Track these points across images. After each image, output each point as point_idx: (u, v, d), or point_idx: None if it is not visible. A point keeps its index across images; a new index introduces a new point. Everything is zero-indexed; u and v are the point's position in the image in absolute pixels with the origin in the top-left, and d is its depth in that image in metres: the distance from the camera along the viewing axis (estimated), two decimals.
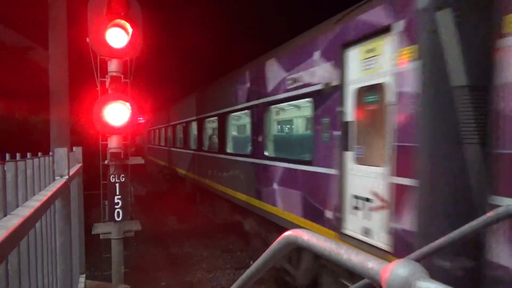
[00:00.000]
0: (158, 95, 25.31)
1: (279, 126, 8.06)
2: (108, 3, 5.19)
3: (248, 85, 8.31)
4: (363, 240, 4.63)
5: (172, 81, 26.42)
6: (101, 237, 6.03)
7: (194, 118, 12.76)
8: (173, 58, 25.10)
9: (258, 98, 7.69)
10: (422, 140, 3.27)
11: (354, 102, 4.97)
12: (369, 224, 4.58)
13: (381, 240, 4.35)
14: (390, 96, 4.20)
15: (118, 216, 5.83)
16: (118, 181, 5.84)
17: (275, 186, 6.93)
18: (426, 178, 3.21)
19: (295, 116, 7.76)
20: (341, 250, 0.88)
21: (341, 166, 5.07)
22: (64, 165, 2.70)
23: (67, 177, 2.69)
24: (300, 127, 7.70)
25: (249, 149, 8.32)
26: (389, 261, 0.76)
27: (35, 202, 1.67)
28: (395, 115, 4.10)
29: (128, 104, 5.40)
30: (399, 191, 4.03)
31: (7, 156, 1.71)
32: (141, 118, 26.71)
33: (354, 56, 4.88)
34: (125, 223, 6.03)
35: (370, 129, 4.78)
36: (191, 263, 8.68)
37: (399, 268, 0.71)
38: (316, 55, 5.71)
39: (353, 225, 4.88)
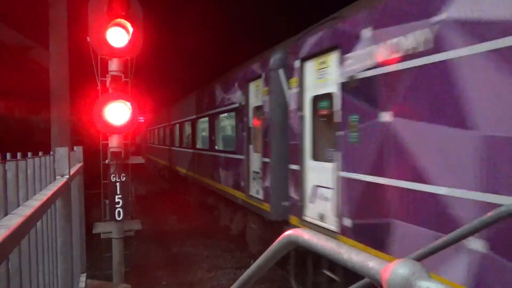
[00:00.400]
0: (158, 95, 25.32)
1: (222, 129, 11.08)
2: (108, 2, 5.20)
3: (206, 99, 11.86)
4: (255, 196, 7.83)
5: (173, 80, 26.43)
6: (102, 236, 6.04)
7: (172, 123, 17.94)
8: (173, 57, 25.11)
9: (211, 109, 11.12)
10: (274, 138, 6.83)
11: (253, 115, 8.00)
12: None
13: (260, 195, 7.54)
14: (267, 113, 7.09)
15: (119, 216, 5.83)
16: (119, 180, 5.84)
17: (222, 169, 10.07)
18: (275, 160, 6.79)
19: (229, 123, 10.70)
20: (341, 250, 0.88)
21: (247, 154, 8.21)
22: (64, 164, 2.71)
23: (67, 176, 2.69)
24: (232, 129, 10.35)
25: (208, 144, 11.58)
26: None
27: (36, 202, 1.67)
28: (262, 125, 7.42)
29: (128, 104, 5.40)
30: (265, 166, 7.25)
31: (8, 155, 1.71)
32: (141, 118, 26.74)
33: (252, 88, 8.07)
34: (125, 222, 6.04)
35: (259, 131, 7.69)
36: (191, 262, 8.68)
37: (399, 268, 0.71)
38: (236, 85, 8.96)
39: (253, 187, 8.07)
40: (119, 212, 5.83)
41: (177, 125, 16.37)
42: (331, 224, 5.22)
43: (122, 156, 5.71)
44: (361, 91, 4.58)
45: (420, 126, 3.71)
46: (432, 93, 3.58)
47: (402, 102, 3.97)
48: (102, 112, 5.29)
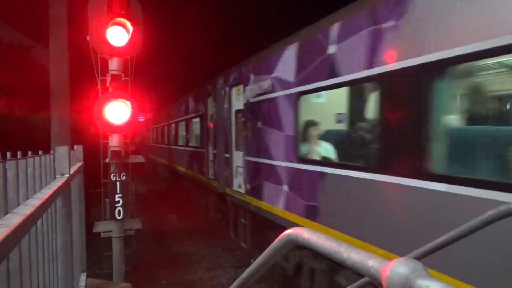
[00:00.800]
0: (158, 94, 25.32)
1: (193, 130, 13.73)
2: (108, 1, 5.20)
3: (184, 107, 14.97)
4: (211, 178, 10.85)
5: (173, 80, 26.43)
6: (102, 235, 6.04)
7: (157, 125, 22.41)
8: (173, 56, 25.10)
9: (186, 115, 14.43)
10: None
11: (210, 120, 10.89)
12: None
13: (213, 176, 10.56)
14: (215, 119, 10.31)
15: (119, 215, 5.84)
16: (119, 179, 5.84)
17: (193, 161, 13.17)
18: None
19: (197, 126, 12.90)
20: (341, 248, 0.88)
21: (206, 148, 11.19)
22: (65, 163, 2.71)
23: (68, 175, 2.70)
24: (199, 130, 12.81)
25: (184, 141, 14.85)
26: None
27: (36, 201, 1.67)
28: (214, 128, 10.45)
29: (128, 103, 5.40)
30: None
31: (8, 154, 1.71)
32: (141, 117, 26.73)
33: (209, 101, 10.92)
34: (125, 221, 6.05)
35: (211, 132, 10.64)
36: (191, 261, 8.69)
37: (399, 267, 0.71)
38: (200, 98, 12.16)
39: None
40: (119, 211, 5.83)
41: (166, 126, 19.65)
42: (242, 189, 8.17)
43: (122, 155, 5.72)
44: (251, 109, 7.68)
45: (269, 129, 6.83)
46: (273, 112, 6.69)
47: (263, 116, 7.12)
48: (102, 111, 5.29)
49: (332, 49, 5.03)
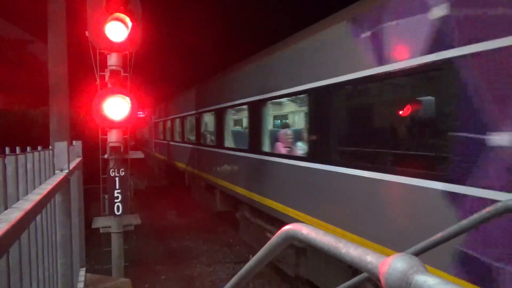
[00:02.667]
0: (157, 90, 25.27)
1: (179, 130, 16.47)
2: None
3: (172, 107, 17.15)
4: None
5: (172, 75, 26.36)
6: (101, 231, 6.05)
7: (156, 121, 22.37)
8: (173, 52, 25.02)
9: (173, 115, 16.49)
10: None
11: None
12: None
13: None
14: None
15: (118, 210, 5.84)
16: (118, 175, 5.85)
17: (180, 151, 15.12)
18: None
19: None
20: (339, 244, 0.89)
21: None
22: (64, 159, 2.71)
23: (67, 171, 2.70)
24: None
25: (173, 137, 16.13)
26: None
27: (35, 196, 1.67)
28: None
29: (127, 98, 5.39)
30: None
31: (7, 149, 1.71)
32: (141, 113, 26.66)
33: None
34: (125, 217, 6.05)
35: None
36: (190, 257, 8.72)
37: (397, 262, 0.72)
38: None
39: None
40: (118, 206, 5.84)
41: (160, 122, 19.72)
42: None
43: (121, 150, 5.71)
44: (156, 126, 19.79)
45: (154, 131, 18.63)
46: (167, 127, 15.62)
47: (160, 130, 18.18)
48: (101, 107, 5.28)
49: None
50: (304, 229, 1.03)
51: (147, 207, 13.47)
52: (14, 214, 1.27)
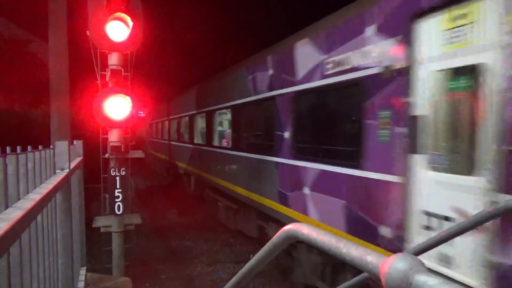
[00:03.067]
0: (159, 89, 25.26)
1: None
2: None
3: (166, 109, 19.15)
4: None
5: (173, 75, 26.36)
6: (101, 230, 6.05)
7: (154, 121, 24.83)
8: (174, 51, 25.02)
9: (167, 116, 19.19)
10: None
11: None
12: None
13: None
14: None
15: (119, 210, 5.85)
16: (119, 174, 5.85)
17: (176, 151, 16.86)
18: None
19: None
20: (340, 244, 0.89)
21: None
22: (64, 158, 2.71)
23: (67, 170, 2.70)
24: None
25: (160, 136, 20.43)
26: None
27: (36, 195, 1.68)
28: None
29: (128, 98, 5.39)
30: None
31: (8, 149, 1.71)
32: (141, 112, 26.68)
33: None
34: (125, 216, 6.06)
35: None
36: (191, 256, 8.72)
37: (397, 262, 0.72)
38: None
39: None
40: (118, 206, 5.84)
41: (153, 124, 23.90)
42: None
43: (122, 150, 5.72)
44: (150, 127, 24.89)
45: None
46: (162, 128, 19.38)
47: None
48: (102, 106, 5.28)
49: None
50: (305, 229, 1.03)
51: (148, 206, 13.48)
52: (15, 213, 1.27)
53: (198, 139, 12.82)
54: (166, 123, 18.80)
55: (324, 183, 5.43)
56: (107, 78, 5.58)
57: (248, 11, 21.54)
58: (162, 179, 20.22)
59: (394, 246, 4.06)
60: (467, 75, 3.37)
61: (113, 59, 5.53)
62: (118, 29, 5.39)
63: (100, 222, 6.08)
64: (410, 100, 3.89)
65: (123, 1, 5.22)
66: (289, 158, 6.37)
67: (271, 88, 7.07)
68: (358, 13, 4.82)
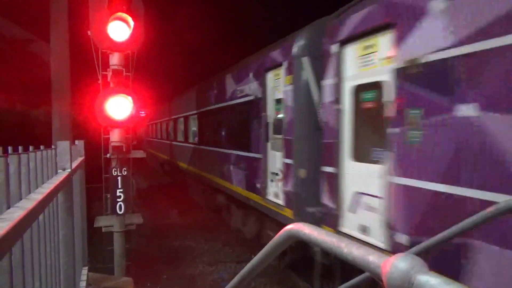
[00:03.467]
0: (159, 89, 25.27)
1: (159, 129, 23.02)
2: None
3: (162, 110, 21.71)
4: None
5: (174, 75, 26.37)
6: (103, 230, 6.06)
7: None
8: (175, 51, 25.03)
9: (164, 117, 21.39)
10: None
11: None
12: None
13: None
14: None
15: (120, 210, 5.85)
16: (120, 174, 5.86)
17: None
18: None
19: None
20: (342, 244, 0.89)
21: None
22: (66, 158, 2.71)
23: (69, 170, 2.70)
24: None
25: (152, 136, 25.15)
26: None
27: (38, 195, 1.68)
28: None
29: (129, 98, 5.40)
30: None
31: (10, 149, 1.72)
32: (142, 112, 26.73)
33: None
34: (127, 216, 6.06)
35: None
36: (192, 256, 8.73)
37: (399, 262, 0.72)
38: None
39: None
40: (120, 206, 5.85)
41: (149, 125, 27.81)
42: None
43: (124, 150, 5.72)
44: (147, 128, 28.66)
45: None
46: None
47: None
48: (103, 106, 5.29)
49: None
50: (306, 229, 1.03)
51: (149, 206, 13.49)
52: (17, 213, 1.27)
53: (169, 137, 18.80)
54: (151, 125, 26.08)
55: (223, 160, 10.10)
56: (109, 78, 5.59)
57: (249, 10, 21.54)
58: (162, 178, 20.24)
59: (258, 190, 7.75)
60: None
61: (115, 59, 5.54)
62: (120, 29, 5.39)
63: (102, 222, 6.09)
64: (264, 113, 7.46)
65: (124, 1, 5.23)
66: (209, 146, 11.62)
67: (198, 107, 13.05)
68: (244, 66, 8.91)
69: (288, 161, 6.38)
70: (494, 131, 3.05)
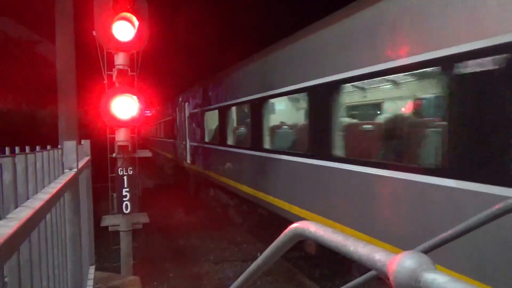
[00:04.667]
0: (164, 89, 25.35)
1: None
2: None
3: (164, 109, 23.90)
4: None
5: (179, 74, 26.43)
6: (110, 229, 6.09)
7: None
8: (180, 51, 25.07)
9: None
10: None
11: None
12: None
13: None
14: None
15: (126, 209, 5.88)
16: (126, 174, 5.88)
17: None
18: None
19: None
20: (348, 242, 0.89)
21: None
22: (72, 158, 2.73)
23: (76, 169, 2.72)
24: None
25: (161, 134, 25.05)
26: None
27: (45, 195, 1.69)
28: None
29: (135, 97, 5.42)
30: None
31: (17, 149, 1.73)
32: (148, 111, 26.84)
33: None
34: (133, 215, 6.09)
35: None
36: (198, 255, 8.75)
37: (406, 260, 0.71)
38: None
39: None
40: (126, 205, 5.87)
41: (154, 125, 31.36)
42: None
43: (129, 149, 5.74)
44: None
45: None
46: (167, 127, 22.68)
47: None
48: (109, 106, 5.31)
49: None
50: (312, 227, 1.03)
51: (155, 205, 13.54)
52: (24, 212, 1.28)
53: (159, 135, 22.88)
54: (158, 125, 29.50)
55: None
56: (114, 78, 5.61)
57: (251, 10, 21.53)
58: (167, 178, 20.31)
59: (180, 158, 16.17)
60: None
61: (120, 59, 5.56)
62: (124, 29, 5.41)
63: (108, 221, 6.12)
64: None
65: (129, 1, 5.25)
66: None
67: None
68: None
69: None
70: None
